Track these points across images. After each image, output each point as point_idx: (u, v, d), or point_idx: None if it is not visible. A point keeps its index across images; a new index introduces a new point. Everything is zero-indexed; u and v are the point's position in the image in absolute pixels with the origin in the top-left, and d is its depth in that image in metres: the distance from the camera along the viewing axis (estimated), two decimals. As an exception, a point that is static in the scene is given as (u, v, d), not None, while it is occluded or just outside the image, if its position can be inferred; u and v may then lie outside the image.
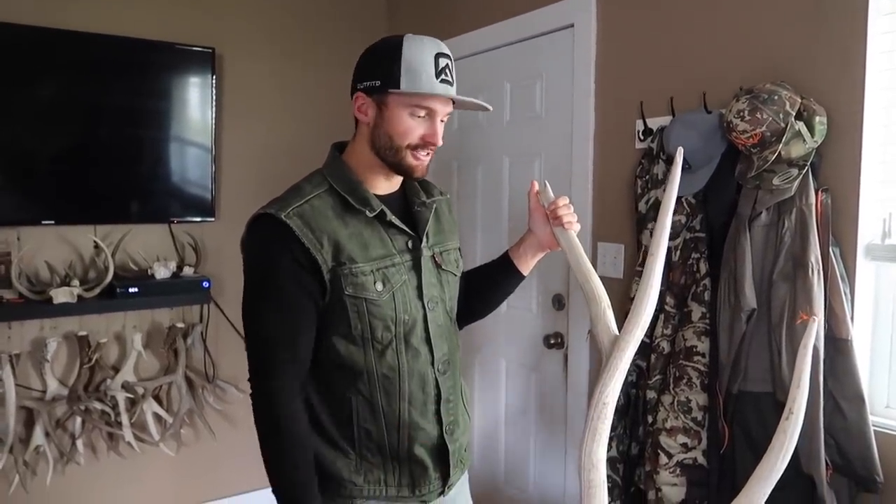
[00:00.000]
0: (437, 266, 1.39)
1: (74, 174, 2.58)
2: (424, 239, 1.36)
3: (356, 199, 1.29)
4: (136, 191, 2.72)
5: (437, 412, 1.36)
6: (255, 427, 1.28)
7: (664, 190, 1.90)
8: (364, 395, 1.30)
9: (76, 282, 2.54)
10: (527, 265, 1.53)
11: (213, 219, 2.85)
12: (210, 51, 2.77)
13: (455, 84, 1.29)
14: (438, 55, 1.25)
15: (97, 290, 2.53)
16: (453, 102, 1.30)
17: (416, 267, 1.34)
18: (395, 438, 1.32)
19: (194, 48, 2.74)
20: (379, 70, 1.26)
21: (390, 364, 1.30)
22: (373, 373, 1.29)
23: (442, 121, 1.30)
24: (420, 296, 1.33)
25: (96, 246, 2.62)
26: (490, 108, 1.37)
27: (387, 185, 1.36)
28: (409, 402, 1.32)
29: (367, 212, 1.29)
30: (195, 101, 2.77)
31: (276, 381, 1.26)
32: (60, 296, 2.45)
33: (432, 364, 1.35)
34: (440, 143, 1.30)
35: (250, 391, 1.29)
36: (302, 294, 1.25)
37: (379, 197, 1.33)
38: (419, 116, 1.26)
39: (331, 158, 1.37)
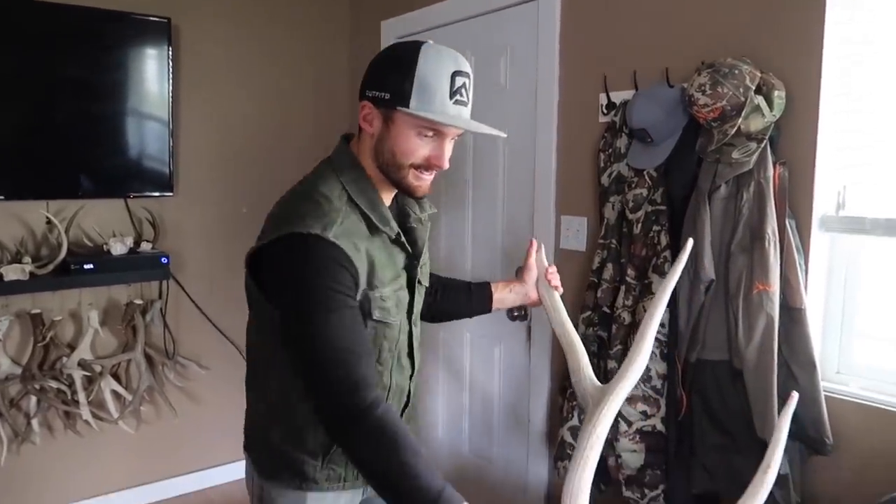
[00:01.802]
0: (419, 283, 1.36)
1: (25, 148, 2.50)
2: (420, 257, 1.34)
3: (378, 217, 1.22)
4: (90, 165, 2.64)
5: (402, 417, 1.37)
6: (367, 464, 1.10)
7: (626, 163, 1.92)
8: None
9: (28, 259, 2.47)
10: (499, 305, 1.59)
11: (171, 193, 2.78)
12: (166, 21, 2.68)
13: (470, 104, 1.21)
14: (456, 73, 1.16)
15: (50, 267, 2.46)
16: None
17: (410, 286, 1.31)
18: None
19: (150, 18, 2.66)
20: (390, 82, 1.17)
21: (384, 384, 1.29)
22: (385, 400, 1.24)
23: (452, 139, 1.23)
24: (409, 314, 1.32)
25: (49, 222, 2.54)
26: (504, 135, 1.28)
27: (388, 196, 1.30)
28: None
29: (389, 232, 1.23)
30: (152, 73, 2.69)
31: (380, 404, 1.12)
32: (11, 273, 2.38)
33: (411, 377, 1.37)
34: (446, 165, 1.22)
35: (337, 429, 1.13)
36: (356, 309, 1.17)
37: None
38: (427, 136, 1.19)
39: (346, 161, 1.25)
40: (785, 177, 1.63)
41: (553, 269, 1.53)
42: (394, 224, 1.25)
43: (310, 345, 1.12)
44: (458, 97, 1.17)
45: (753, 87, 1.61)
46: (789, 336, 1.62)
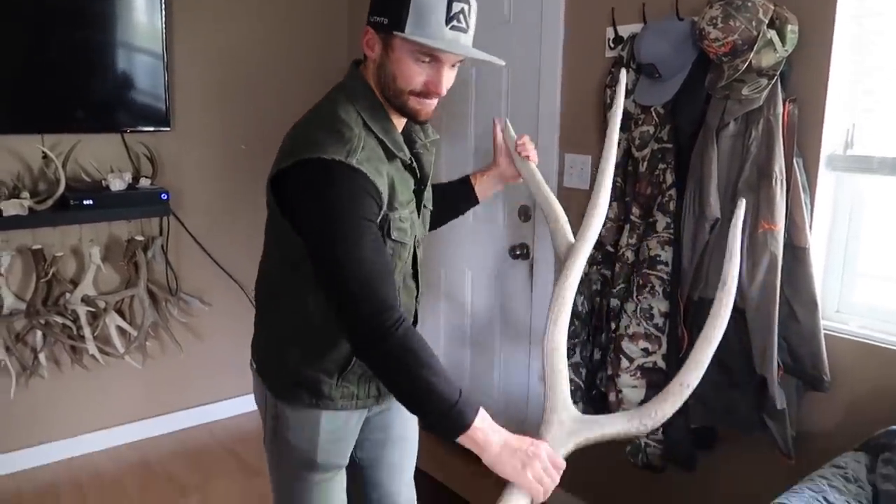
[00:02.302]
0: (424, 206, 1.39)
1: (15, 80, 2.44)
2: (426, 181, 1.37)
3: (392, 143, 1.24)
4: (84, 98, 2.59)
5: None
6: (391, 379, 1.15)
7: (633, 99, 1.89)
8: None
9: (26, 194, 2.45)
10: (484, 195, 1.58)
11: (168, 128, 2.74)
12: (156, -55, 2.58)
13: (471, 30, 1.19)
14: None
15: (49, 203, 2.44)
16: None
17: (418, 210, 1.34)
18: None
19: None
20: (388, 7, 1.16)
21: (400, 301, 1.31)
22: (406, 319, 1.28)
23: (453, 65, 1.22)
24: (412, 236, 1.34)
25: (45, 156, 2.51)
26: (502, 63, 1.27)
27: (400, 122, 1.30)
28: None
29: (403, 157, 1.26)
30: (142, 2, 2.61)
31: (402, 322, 1.14)
32: (10, 208, 2.36)
33: (416, 298, 1.40)
34: (444, 92, 1.22)
35: (363, 346, 1.16)
36: (379, 232, 1.20)
37: None
38: (424, 62, 1.18)
39: (359, 87, 1.26)
40: (795, 114, 1.61)
41: (524, 139, 1.49)
42: (406, 149, 1.28)
43: (337, 269, 1.15)
44: (455, 23, 1.15)
45: (766, 21, 1.56)
46: (792, 275, 1.63)
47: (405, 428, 1.56)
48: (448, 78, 1.22)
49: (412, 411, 1.17)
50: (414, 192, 1.32)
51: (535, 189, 1.45)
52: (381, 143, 1.23)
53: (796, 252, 1.61)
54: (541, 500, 1.10)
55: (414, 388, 1.12)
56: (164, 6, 2.63)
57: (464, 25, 1.17)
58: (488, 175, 1.56)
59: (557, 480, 1.10)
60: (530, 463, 1.08)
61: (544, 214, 1.41)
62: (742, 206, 1.21)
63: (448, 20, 1.15)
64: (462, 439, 1.11)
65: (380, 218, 1.20)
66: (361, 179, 1.16)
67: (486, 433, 1.11)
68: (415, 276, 1.39)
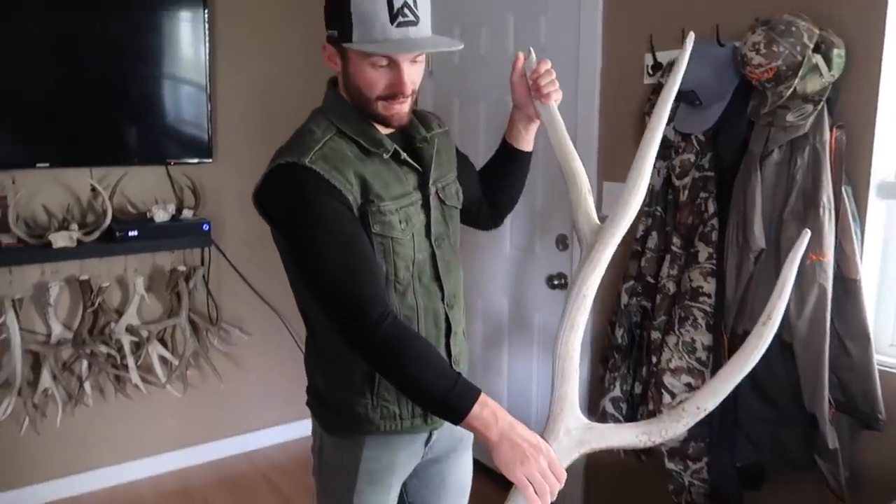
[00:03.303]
0: (441, 202, 1.35)
1: (67, 115, 2.53)
2: (430, 175, 1.32)
3: (368, 140, 1.24)
4: (131, 132, 2.67)
5: (447, 345, 1.36)
6: (384, 375, 1.21)
7: (673, 127, 1.85)
8: None
9: (75, 226, 2.52)
10: (527, 141, 1.48)
11: (210, 160, 2.80)
12: (201, -17, 2.66)
13: (422, 18, 1.15)
14: None
15: (96, 234, 2.51)
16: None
17: (426, 205, 1.31)
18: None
19: (185, -20, 2.64)
20: (335, 19, 1.17)
21: (410, 304, 1.28)
22: (397, 314, 1.25)
23: (416, 61, 1.19)
24: (428, 234, 1.31)
25: (93, 189, 2.58)
26: (461, 45, 1.22)
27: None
28: (426, 338, 1.29)
29: (383, 153, 1.24)
30: (187, 37, 2.68)
31: (385, 318, 1.15)
32: (59, 240, 2.43)
33: (442, 300, 1.34)
34: (409, 90, 1.19)
35: (353, 345, 1.17)
36: (353, 227, 1.19)
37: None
38: (381, 66, 1.17)
39: (330, 98, 1.29)
40: (842, 141, 1.55)
41: (543, 66, 1.32)
42: (388, 144, 1.24)
43: (311, 272, 1.19)
44: (401, 18, 1.12)
45: (811, 46, 1.52)
46: (842, 308, 1.56)
47: (463, 475, 1.52)
48: (410, 74, 1.19)
49: (410, 399, 1.23)
50: (419, 187, 1.30)
51: (554, 141, 1.26)
52: (356, 143, 1.23)
53: (846, 284, 1.55)
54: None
55: (405, 380, 1.15)
56: (208, 38, 2.70)
57: (411, 17, 1.14)
58: (514, 123, 1.46)
59: (555, 489, 1.06)
60: (527, 461, 1.06)
61: (564, 177, 1.22)
62: (806, 238, 1.10)
63: (392, 18, 1.12)
64: (462, 426, 1.13)
65: (357, 212, 1.20)
66: (313, 178, 1.16)
67: (486, 421, 1.10)
68: (437, 277, 1.33)
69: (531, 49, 1.36)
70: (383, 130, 1.28)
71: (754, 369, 1.68)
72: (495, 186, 1.53)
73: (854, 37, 1.55)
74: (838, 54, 1.52)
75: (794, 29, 1.52)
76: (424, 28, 1.17)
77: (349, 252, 1.17)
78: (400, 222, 1.24)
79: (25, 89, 2.44)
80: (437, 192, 1.34)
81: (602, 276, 1.14)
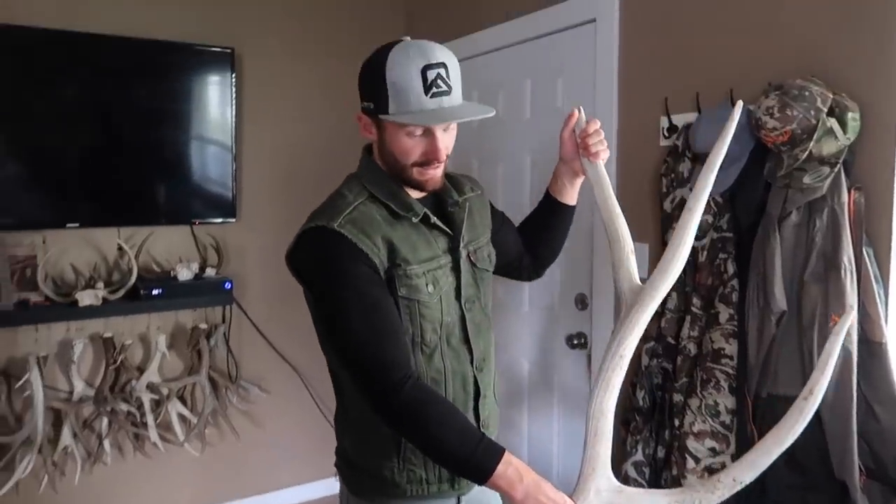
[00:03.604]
0: (473, 265, 1.37)
1: (98, 176, 2.61)
2: (461, 239, 1.35)
3: (398, 204, 1.28)
4: (159, 192, 2.75)
5: (476, 408, 1.36)
6: (407, 436, 1.21)
7: (690, 188, 1.86)
8: None
9: (101, 284, 2.57)
10: (571, 196, 1.51)
11: (233, 219, 2.86)
12: (230, 51, 2.77)
13: (454, 88, 1.21)
14: (426, 68, 1.17)
15: (121, 293, 2.55)
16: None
17: (456, 268, 1.33)
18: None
19: (214, 48, 2.75)
20: (370, 91, 1.23)
21: (437, 367, 1.29)
22: (423, 377, 1.28)
23: (448, 128, 1.25)
24: (458, 297, 1.33)
25: (120, 248, 2.64)
26: (492, 112, 1.27)
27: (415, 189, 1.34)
28: (454, 402, 1.30)
29: (412, 217, 1.28)
30: (215, 100, 2.78)
31: (407, 381, 1.17)
32: (86, 298, 2.48)
33: (471, 363, 1.35)
34: (443, 156, 1.25)
35: (377, 408, 1.19)
36: (382, 293, 1.22)
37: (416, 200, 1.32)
38: (416, 135, 1.22)
39: (365, 164, 1.34)
40: (861, 203, 1.55)
41: (592, 126, 1.34)
42: (418, 208, 1.28)
43: (335, 331, 1.22)
44: (434, 90, 1.18)
45: (825, 110, 1.53)
46: (869, 371, 1.53)
47: None
48: (444, 141, 1.24)
49: (434, 461, 1.22)
50: (449, 250, 1.32)
51: (600, 199, 1.26)
52: (386, 207, 1.27)
53: (872, 347, 1.52)
54: None
55: (429, 442, 1.16)
56: (234, 102, 2.79)
57: (445, 88, 1.19)
58: (559, 177, 1.49)
59: None
60: None
61: (607, 235, 1.22)
62: (851, 316, 1.06)
63: (427, 89, 1.17)
64: (487, 486, 1.13)
65: (384, 275, 1.22)
66: (341, 241, 1.20)
67: (511, 480, 1.10)
68: (466, 339, 1.34)
69: (580, 107, 1.39)
70: (415, 195, 1.31)
71: (780, 434, 1.65)
72: (538, 239, 1.56)
73: (868, 101, 1.56)
74: (853, 118, 1.54)
75: (807, 93, 1.54)
76: (456, 97, 1.22)
77: (374, 315, 1.20)
78: (427, 285, 1.26)
79: (60, 152, 2.54)
80: (468, 256, 1.36)
81: (640, 336, 1.13)
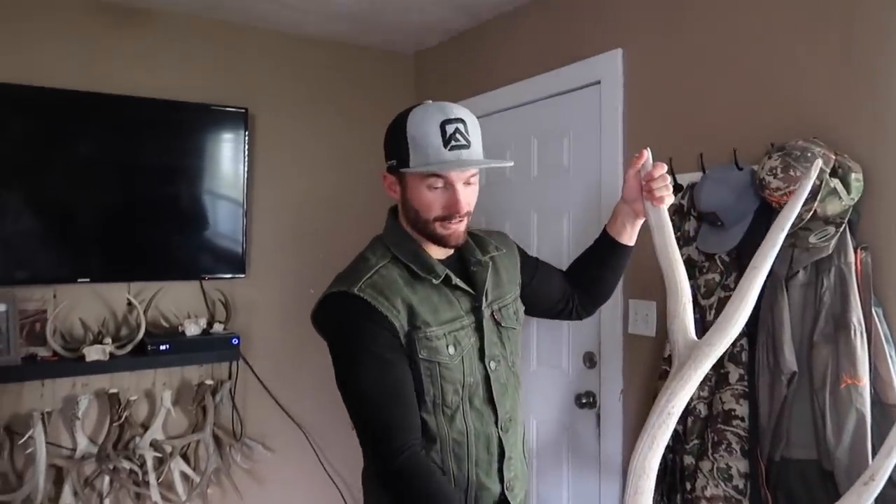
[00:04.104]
0: (497, 323, 1.37)
1: (111, 232, 2.64)
2: (484, 298, 1.35)
3: (421, 266, 1.30)
4: (169, 248, 2.76)
5: (500, 470, 1.35)
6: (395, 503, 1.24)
7: (696, 247, 1.87)
8: (436, 462, 1.28)
9: (108, 339, 2.56)
10: (629, 236, 1.49)
11: (243, 275, 2.87)
12: (243, 111, 2.83)
13: (473, 144, 1.25)
14: (445, 122, 1.22)
15: (129, 348, 2.55)
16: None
17: (479, 328, 1.33)
18: (461, 501, 1.30)
19: (228, 108, 2.81)
20: (393, 149, 1.28)
21: (459, 428, 1.29)
22: (445, 439, 1.28)
23: (469, 183, 1.28)
24: (482, 357, 1.33)
25: (129, 303, 2.65)
26: (510, 163, 1.37)
27: (439, 250, 1.35)
28: (476, 464, 1.30)
29: (433, 279, 1.29)
30: (228, 157, 2.83)
31: (404, 451, 1.20)
32: (93, 353, 2.47)
33: (496, 423, 1.34)
34: (464, 210, 1.27)
35: (376, 470, 1.24)
36: (397, 356, 1.24)
37: (439, 261, 1.33)
38: (437, 188, 1.25)
39: (390, 226, 1.37)
40: (867, 262, 1.54)
41: (658, 171, 1.31)
42: (440, 270, 1.30)
43: (347, 391, 1.25)
44: (453, 143, 1.22)
45: (828, 170, 1.55)
46: (884, 435, 1.48)
47: None
48: (465, 195, 1.26)
49: None
50: (472, 310, 1.33)
51: (659, 246, 1.23)
52: (408, 269, 1.29)
53: (886, 409, 1.49)
54: None
55: None
56: (247, 160, 2.84)
57: (463, 142, 1.23)
58: (619, 217, 1.47)
59: None
60: None
61: (666, 284, 1.17)
62: None
63: (446, 143, 1.22)
64: None
65: (404, 339, 1.23)
66: (361, 306, 1.22)
67: None
68: (490, 399, 1.33)
69: (649, 149, 1.37)
70: (438, 254, 1.33)
71: (795, 501, 1.61)
72: (592, 276, 1.55)
73: (870, 161, 1.58)
74: (856, 178, 1.55)
75: (809, 154, 1.55)
76: (476, 152, 1.25)
77: (385, 379, 1.22)
78: (448, 347, 1.27)
79: (75, 208, 2.57)
80: (492, 314, 1.37)
81: (690, 394, 1.09)
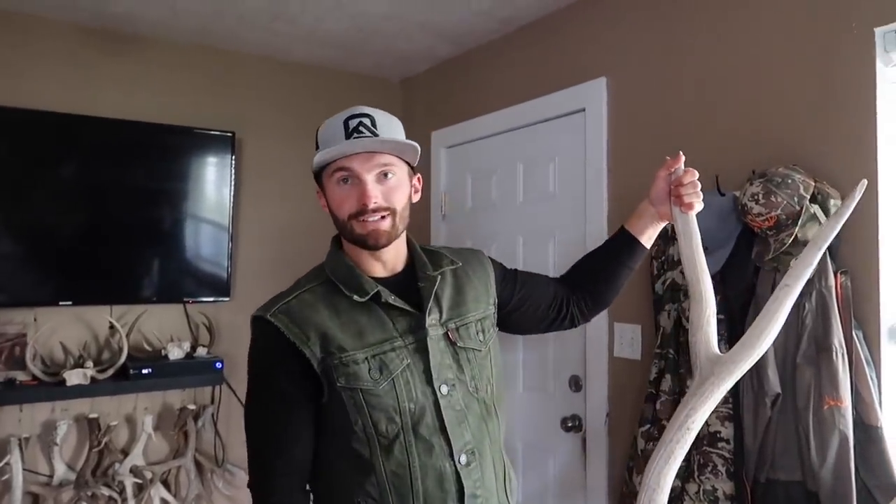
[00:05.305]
0: (452, 343, 1.26)
1: (93, 255, 2.62)
2: (436, 315, 1.26)
3: (350, 286, 1.24)
4: (153, 271, 2.74)
5: None
6: None
7: (681, 270, 1.90)
8: (374, 498, 1.19)
9: (90, 363, 2.53)
10: (648, 237, 1.44)
11: (227, 298, 2.86)
12: (230, 135, 2.84)
13: (382, 136, 1.22)
14: (349, 118, 1.22)
15: (110, 372, 2.52)
16: (386, 154, 1.23)
17: (422, 349, 1.22)
18: None
19: (215, 132, 2.82)
20: (313, 160, 1.27)
21: (399, 461, 1.18)
22: (381, 472, 1.18)
23: (384, 178, 1.22)
24: (429, 380, 1.21)
25: (111, 327, 2.62)
26: (415, 144, 1.24)
27: (382, 267, 1.29)
28: (425, 501, 1.18)
29: (357, 297, 1.22)
30: (214, 182, 2.83)
31: (275, 493, 1.22)
32: (74, 377, 2.44)
33: (451, 456, 1.20)
34: (373, 202, 1.20)
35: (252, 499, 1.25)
36: (295, 393, 1.21)
37: (379, 280, 1.26)
38: (345, 182, 1.22)
39: (331, 250, 1.34)
40: (847, 286, 1.58)
41: (689, 177, 1.27)
42: (368, 287, 1.23)
43: (245, 415, 1.28)
44: (355, 135, 1.21)
45: (808, 196, 1.59)
46: (866, 456, 1.52)
47: None
48: (377, 189, 1.21)
49: None
50: (411, 329, 1.23)
51: (685, 253, 1.19)
52: (338, 289, 1.25)
53: (869, 431, 1.52)
54: None
55: None
56: (233, 184, 2.85)
57: (367, 133, 1.21)
58: (643, 218, 1.42)
59: None
60: None
61: (689, 292, 1.14)
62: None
63: (348, 136, 1.21)
64: None
65: (318, 367, 1.19)
66: (272, 331, 1.21)
67: None
68: (442, 429, 1.20)
69: (681, 153, 1.34)
70: (380, 272, 1.28)
71: (780, 522, 1.62)
72: (603, 273, 1.47)
73: (849, 187, 1.62)
74: (835, 204, 1.59)
75: (790, 181, 1.60)
76: (377, 140, 1.21)
77: (276, 415, 1.22)
78: (370, 371, 1.18)
79: (57, 231, 2.55)
80: (445, 334, 1.26)
81: (711, 409, 1.06)
